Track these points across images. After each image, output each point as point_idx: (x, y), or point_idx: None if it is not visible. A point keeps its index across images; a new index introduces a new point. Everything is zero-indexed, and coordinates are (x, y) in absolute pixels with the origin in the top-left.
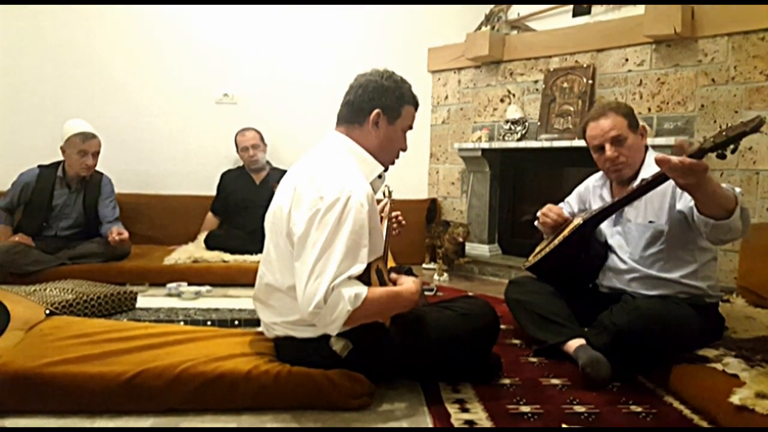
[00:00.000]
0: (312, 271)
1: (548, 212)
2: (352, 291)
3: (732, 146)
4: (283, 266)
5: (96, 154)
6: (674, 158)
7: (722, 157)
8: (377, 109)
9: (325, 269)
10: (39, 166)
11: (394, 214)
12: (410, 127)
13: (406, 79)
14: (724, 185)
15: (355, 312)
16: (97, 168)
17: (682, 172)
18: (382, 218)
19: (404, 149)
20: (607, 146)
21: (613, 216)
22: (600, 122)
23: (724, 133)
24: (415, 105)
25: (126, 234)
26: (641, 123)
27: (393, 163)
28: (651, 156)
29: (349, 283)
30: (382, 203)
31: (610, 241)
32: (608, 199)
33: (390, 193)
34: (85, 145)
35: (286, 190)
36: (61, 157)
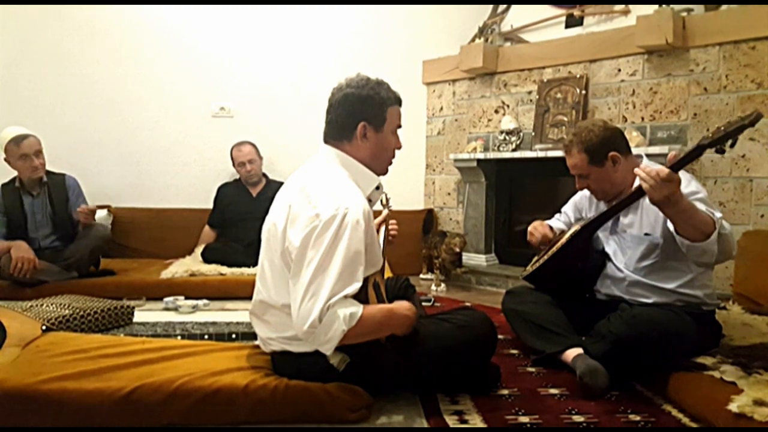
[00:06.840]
0: (307, 290)
1: (534, 230)
2: (347, 311)
3: (730, 141)
4: (277, 284)
5: (39, 153)
6: (649, 170)
7: (721, 152)
8: (362, 122)
9: (320, 289)
10: (1, 186)
11: (391, 225)
12: (399, 126)
13: (382, 80)
14: (704, 209)
15: (350, 331)
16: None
17: (655, 183)
18: (378, 228)
19: (399, 147)
20: (576, 178)
21: (609, 224)
22: (568, 157)
23: (722, 128)
24: (399, 102)
25: (93, 206)
26: (611, 153)
27: (390, 163)
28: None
29: (344, 302)
30: (381, 216)
31: (607, 249)
32: (603, 206)
33: (388, 201)
34: (21, 148)
35: (281, 206)
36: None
